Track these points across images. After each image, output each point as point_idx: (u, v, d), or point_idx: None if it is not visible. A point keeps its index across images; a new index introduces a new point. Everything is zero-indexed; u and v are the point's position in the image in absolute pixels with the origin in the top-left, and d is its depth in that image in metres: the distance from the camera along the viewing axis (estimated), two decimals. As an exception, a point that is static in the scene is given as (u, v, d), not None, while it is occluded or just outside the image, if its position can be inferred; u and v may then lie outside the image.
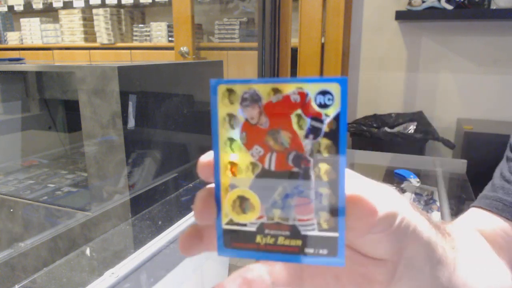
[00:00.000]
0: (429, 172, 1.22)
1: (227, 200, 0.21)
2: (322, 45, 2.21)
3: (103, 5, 3.00)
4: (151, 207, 0.99)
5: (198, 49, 2.58)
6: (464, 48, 2.12)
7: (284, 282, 0.28)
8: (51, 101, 1.56)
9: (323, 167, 0.20)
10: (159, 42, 2.87)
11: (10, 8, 3.41)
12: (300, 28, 2.18)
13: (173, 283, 0.70)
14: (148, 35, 2.94)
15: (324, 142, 0.20)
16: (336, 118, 0.19)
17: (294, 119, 0.20)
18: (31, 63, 1.49)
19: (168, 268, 0.72)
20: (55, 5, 3.15)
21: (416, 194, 0.98)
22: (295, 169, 0.20)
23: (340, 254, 0.20)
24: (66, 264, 0.74)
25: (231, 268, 0.83)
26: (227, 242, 0.21)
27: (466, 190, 1.05)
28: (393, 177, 1.12)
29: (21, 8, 3.35)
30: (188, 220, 0.84)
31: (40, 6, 3.25)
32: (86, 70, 0.99)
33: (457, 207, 0.93)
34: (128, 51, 2.92)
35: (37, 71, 1.52)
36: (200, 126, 1.29)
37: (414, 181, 1.06)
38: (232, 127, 0.21)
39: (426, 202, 0.94)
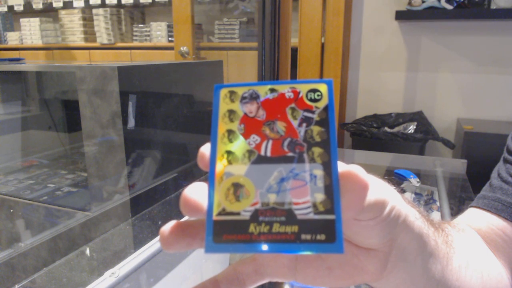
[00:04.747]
0: (429, 172, 1.22)
1: (221, 188, 0.21)
2: (322, 45, 2.21)
3: (103, 5, 3.00)
4: (151, 207, 0.99)
5: (198, 49, 2.58)
6: (464, 48, 2.12)
7: (278, 274, 0.28)
8: (51, 101, 1.56)
9: (316, 150, 0.21)
10: (159, 42, 2.87)
11: (10, 8, 3.41)
12: (300, 28, 2.18)
13: (173, 283, 0.70)
14: (148, 35, 2.94)
15: (316, 128, 0.22)
16: (325, 109, 0.22)
17: (288, 111, 0.23)
18: (31, 63, 1.49)
19: (168, 268, 0.72)
20: (55, 5, 3.15)
21: (416, 194, 0.98)
22: (290, 154, 0.21)
23: (338, 239, 0.19)
24: (66, 264, 0.74)
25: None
26: (217, 236, 0.20)
27: (466, 190, 1.05)
28: (393, 177, 1.12)
29: (21, 8, 3.35)
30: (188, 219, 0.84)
31: (40, 6, 3.25)
32: (86, 70, 0.99)
33: (457, 207, 0.93)
34: (128, 51, 2.92)
35: (37, 71, 1.52)
36: (200, 126, 1.29)
37: (414, 181, 1.06)
38: (231, 120, 0.23)
39: (426, 202, 0.94)
